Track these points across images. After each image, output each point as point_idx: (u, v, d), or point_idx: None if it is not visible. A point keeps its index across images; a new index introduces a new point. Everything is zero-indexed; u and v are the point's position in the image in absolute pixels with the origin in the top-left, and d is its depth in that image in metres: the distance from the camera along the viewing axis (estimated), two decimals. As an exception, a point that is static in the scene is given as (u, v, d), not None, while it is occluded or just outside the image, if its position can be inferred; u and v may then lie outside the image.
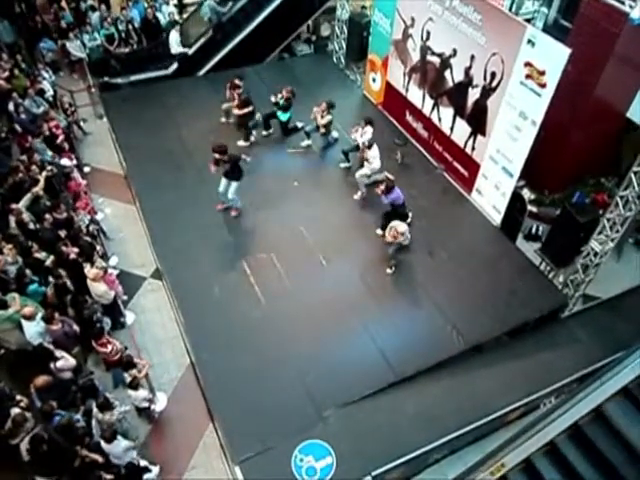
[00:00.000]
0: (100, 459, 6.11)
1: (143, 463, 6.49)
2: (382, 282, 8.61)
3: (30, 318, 6.83)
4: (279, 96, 10.59)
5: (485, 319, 8.13)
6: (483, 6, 8.63)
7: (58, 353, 6.75)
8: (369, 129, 9.86)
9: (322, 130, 10.78)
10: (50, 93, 11.32)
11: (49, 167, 9.00)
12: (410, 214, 9.32)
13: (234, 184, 9.14)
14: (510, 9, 9.49)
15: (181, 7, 14.41)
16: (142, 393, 6.90)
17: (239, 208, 9.50)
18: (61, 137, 10.26)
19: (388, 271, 8.68)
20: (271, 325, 7.89)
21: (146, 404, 7.08)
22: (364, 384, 7.29)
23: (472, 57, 9.13)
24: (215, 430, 7.25)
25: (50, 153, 9.77)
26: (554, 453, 5.96)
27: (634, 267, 9.53)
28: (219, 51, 12.97)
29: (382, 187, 8.68)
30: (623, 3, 6.26)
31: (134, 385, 6.77)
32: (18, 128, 9.84)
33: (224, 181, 9.13)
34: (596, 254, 7.86)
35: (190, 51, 12.72)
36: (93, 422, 6.48)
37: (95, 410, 6.45)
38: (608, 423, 5.92)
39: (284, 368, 7.42)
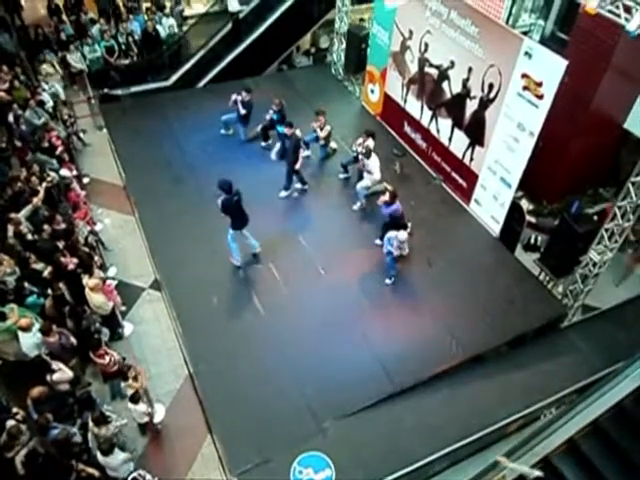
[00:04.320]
0: (96, 473, 6.04)
1: (148, 477, 6.38)
2: (381, 292, 8.60)
3: (26, 329, 6.80)
4: (271, 112, 10.66)
5: (485, 329, 8.11)
6: (480, 19, 8.72)
7: (55, 365, 6.70)
8: (370, 141, 9.90)
9: (322, 142, 10.85)
10: (50, 104, 11.36)
11: (49, 178, 9.02)
12: (409, 224, 9.32)
13: (230, 230, 8.46)
14: (507, 22, 9.56)
15: (181, 20, 14.54)
16: (142, 407, 6.83)
17: (235, 259, 8.79)
18: (60, 148, 10.28)
19: (387, 281, 8.67)
20: (270, 336, 7.86)
21: (146, 419, 7.01)
22: (363, 395, 7.25)
23: (470, 69, 9.20)
24: (213, 442, 7.18)
25: (54, 161, 9.80)
26: (572, 454, 5.89)
27: (632, 277, 9.53)
28: (219, 63, 13.09)
29: (386, 197, 8.68)
30: (619, 16, 6.31)
31: (136, 399, 6.72)
32: (18, 143, 9.87)
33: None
34: (595, 264, 7.86)
35: (248, 8, 12.89)
36: (89, 436, 6.42)
37: (91, 424, 6.39)
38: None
39: (283, 379, 7.38)
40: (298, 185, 10.23)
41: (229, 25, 12.99)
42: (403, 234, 8.19)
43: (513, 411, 7.29)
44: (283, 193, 10.15)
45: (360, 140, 9.96)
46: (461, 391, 7.49)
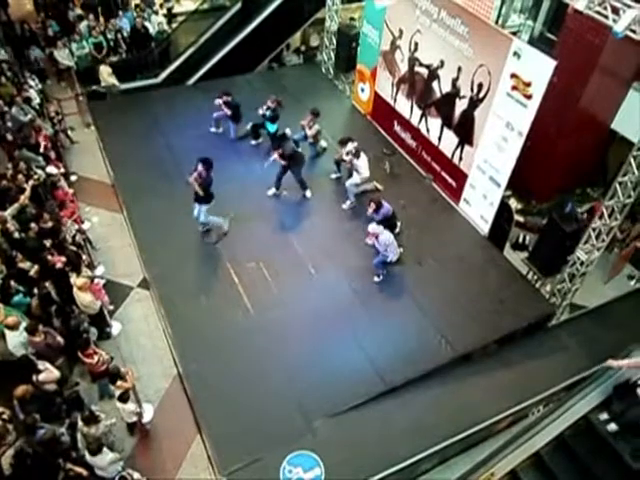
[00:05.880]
0: (85, 472, 5.99)
1: (136, 476, 6.34)
2: (371, 291, 8.60)
3: (13, 328, 6.71)
4: (264, 107, 10.59)
5: (473, 328, 8.15)
6: (470, 19, 8.76)
7: (41, 365, 6.62)
8: (350, 145, 9.83)
9: (311, 140, 10.83)
10: (37, 101, 11.24)
11: (36, 175, 8.91)
12: (399, 224, 9.35)
13: (203, 207, 8.85)
14: (496, 22, 9.62)
15: (170, 17, 14.45)
16: (130, 406, 6.79)
17: (221, 230, 9.13)
18: (48, 145, 10.15)
19: (375, 279, 8.68)
20: (259, 335, 7.83)
21: (135, 418, 6.97)
22: (353, 394, 7.25)
23: (459, 69, 9.24)
24: (202, 442, 7.14)
25: (40, 158, 9.69)
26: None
27: (619, 276, 9.64)
28: (208, 60, 13.02)
29: (372, 207, 8.73)
30: (607, 17, 6.36)
31: (124, 398, 6.67)
32: (10, 137, 9.74)
33: (196, 205, 8.89)
34: (582, 263, 7.94)
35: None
36: (78, 435, 6.36)
37: (80, 423, 6.33)
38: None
39: (273, 378, 7.36)
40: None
41: (231, 12, 12.89)
42: (371, 225, 8.31)
43: (502, 409, 7.33)
44: (308, 193, 10.12)
45: (347, 148, 9.78)
46: (451, 389, 7.52)
